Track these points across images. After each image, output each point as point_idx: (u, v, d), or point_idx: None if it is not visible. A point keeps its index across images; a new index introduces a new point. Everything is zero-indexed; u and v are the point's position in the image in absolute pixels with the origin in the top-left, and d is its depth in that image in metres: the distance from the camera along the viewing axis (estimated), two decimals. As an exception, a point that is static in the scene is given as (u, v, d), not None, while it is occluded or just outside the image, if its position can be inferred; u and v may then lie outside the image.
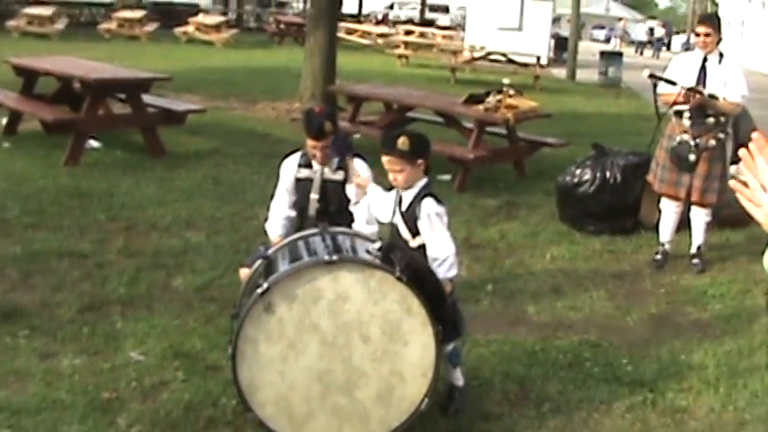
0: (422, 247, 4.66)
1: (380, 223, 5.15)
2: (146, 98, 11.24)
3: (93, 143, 11.00)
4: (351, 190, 5.45)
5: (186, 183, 9.74)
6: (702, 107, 7.40)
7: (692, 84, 7.44)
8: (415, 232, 4.66)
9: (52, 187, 9.07)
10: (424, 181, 4.71)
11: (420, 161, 4.65)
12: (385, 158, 4.68)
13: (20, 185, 9.05)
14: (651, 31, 56.65)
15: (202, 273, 6.92)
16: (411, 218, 4.66)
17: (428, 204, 4.61)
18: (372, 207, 5.07)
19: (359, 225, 5.30)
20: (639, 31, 56.20)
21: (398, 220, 4.74)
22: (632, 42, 56.01)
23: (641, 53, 51.53)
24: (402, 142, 4.60)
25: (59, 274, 6.74)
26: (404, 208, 4.71)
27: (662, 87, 7.71)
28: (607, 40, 63.63)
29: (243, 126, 13.89)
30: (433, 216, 4.60)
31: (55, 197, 8.70)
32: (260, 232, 7.38)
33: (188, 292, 6.56)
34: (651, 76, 7.68)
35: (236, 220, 8.39)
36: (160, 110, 11.44)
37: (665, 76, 7.74)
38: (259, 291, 4.20)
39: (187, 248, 7.48)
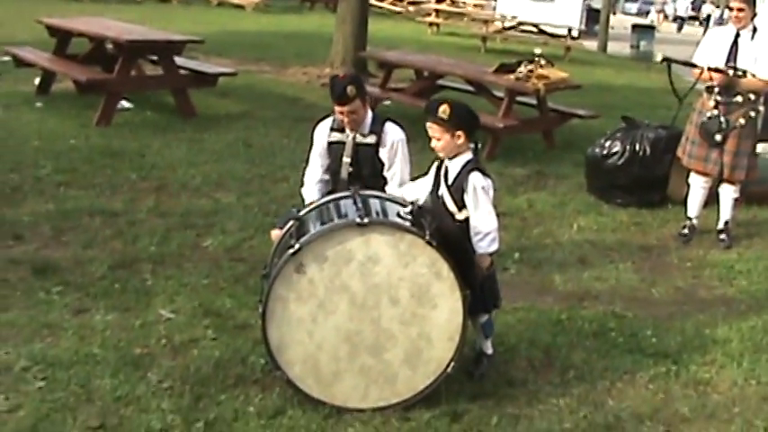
0: (467, 220, 4.69)
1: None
2: (177, 60, 11.30)
3: (125, 104, 11.08)
4: (384, 154, 5.48)
5: (216, 145, 9.80)
6: (729, 86, 7.38)
7: (723, 60, 7.41)
8: (461, 205, 4.69)
9: (84, 146, 9.17)
10: (468, 156, 4.73)
11: (459, 132, 4.66)
12: (427, 123, 4.73)
13: (52, 144, 9.15)
14: (694, 6, 55.09)
15: (232, 233, 6.99)
16: (458, 191, 4.69)
17: (475, 178, 4.64)
18: (406, 191, 5.11)
19: (392, 189, 5.34)
20: (681, 6, 54.29)
21: (444, 193, 4.76)
22: (674, 18, 54.17)
23: (680, 29, 49.73)
24: (443, 110, 4.64)
25: (91, 231, 6.83)
26: (450, 181, 4.74)
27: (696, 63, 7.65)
28: (641, 14, 62.49)
29: (274, 90, 13.93)
30: (479, 190, 4.63)
31: (87, 156, 8.79)
32: (290, 194, 7.49)
33: (218, 252, 6.64)
34: (665, 59, 7.62)
35: (266, 183, 8.45)
36: (192, 72, 11.48)
37: (698, 51, 7.70)
38: (290, 251, 4.25)
39: (217, 209, 7.55)
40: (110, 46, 11.62)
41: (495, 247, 4.72)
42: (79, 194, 7.63)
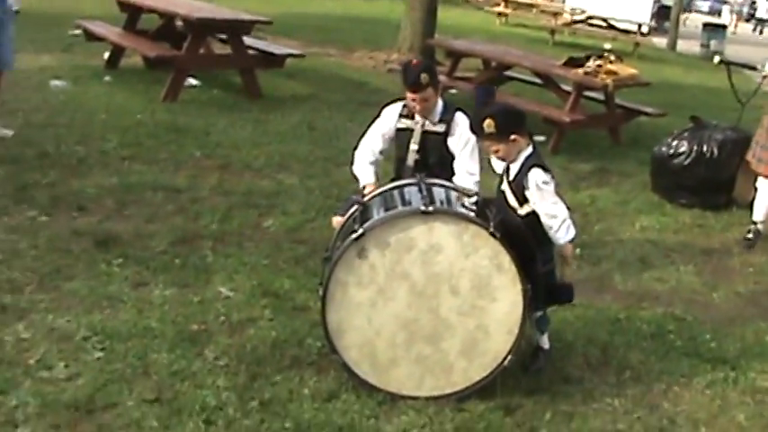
0: (529, 215, 4.65)
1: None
2: (246, 40, 11.33)
3: (192, 81, 11.16)
4: (452, 143, 5.41)
5: (281, 126, 9.84)
6: None
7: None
8: (522, 201, 4.66)
9: (150, 122, 9.26)
10: (528, 151, 4.68)
11: (513, 136, 4.61)
12: (479, 143, 4.72)
13: (119, 118, 9.24)
14: None
15: (293, 215, 7.02)
16: (519, 187, 4.66)
17: (535, 174, 4.59)
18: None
19: (459, 179, 5.28)
20: (761, 7, 52.42)
21: (506, 188, 4.75)
22: (748, 18, 52.52)
23: (761, 32, 48.26)
24: (487, 125, 4.58)
25: (154, 206, 6.90)
26: (511, 177, 4.71)
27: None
28: (712, 12, 61.37)
29: (339, 73, 13.95)
30: (541, 185, 4.58)
31: (152, 131, 8.88)
32: (352, 178, 7.47)
33: (278, 232, 6.66)
34: (722, 62, 7.49)
35: (329, 166, 8.47)
36: (260, 52, 11.53)
37: None
38: (353, 236, 4.25)
39: (279, 190, 7.59)
40: (179, 23, 11.69)
41: (572, 233, 4.67)
42: (143, 169, 7.70)
